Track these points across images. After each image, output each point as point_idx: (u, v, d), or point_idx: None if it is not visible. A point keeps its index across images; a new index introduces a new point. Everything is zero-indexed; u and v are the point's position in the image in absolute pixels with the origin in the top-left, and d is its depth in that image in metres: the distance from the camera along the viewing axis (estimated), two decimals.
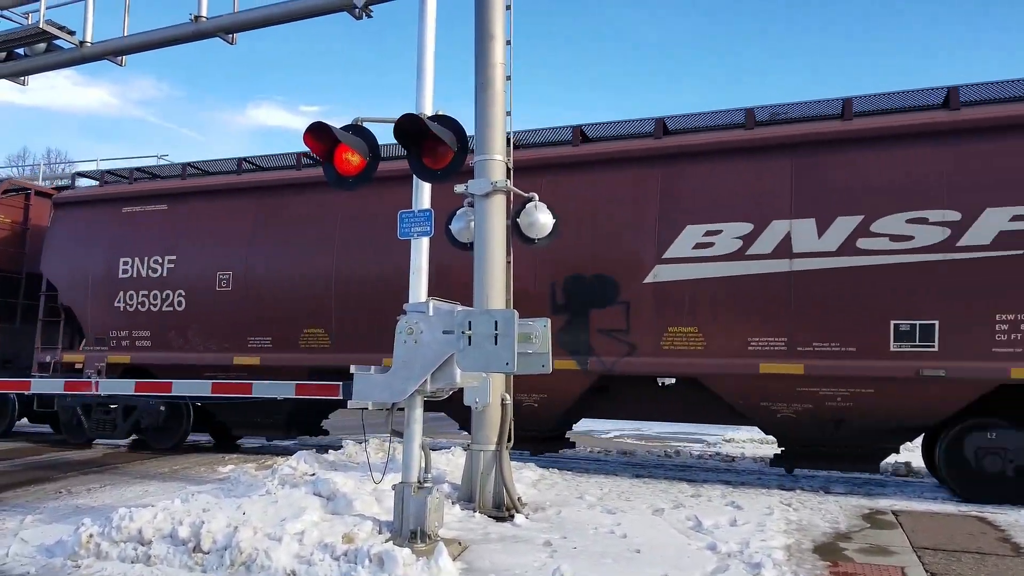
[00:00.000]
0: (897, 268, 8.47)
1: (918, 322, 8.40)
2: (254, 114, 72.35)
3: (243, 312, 11.65)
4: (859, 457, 9.03)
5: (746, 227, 9.03)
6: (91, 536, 5.89)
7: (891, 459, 12.03)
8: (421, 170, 6.48)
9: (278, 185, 11.88)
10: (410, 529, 5.76)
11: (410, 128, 6.22)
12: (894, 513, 7.68)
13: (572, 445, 11.41)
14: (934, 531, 6.86)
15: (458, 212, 7.89)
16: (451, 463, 8.55)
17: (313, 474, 7.80)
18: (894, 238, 8.51)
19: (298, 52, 77.70)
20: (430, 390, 5.90)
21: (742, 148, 9.30)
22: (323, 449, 9.80)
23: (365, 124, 6.62)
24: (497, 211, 7.28)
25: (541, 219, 7.77)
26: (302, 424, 12.47)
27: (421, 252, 6.69)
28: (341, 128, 6.47)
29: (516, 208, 7.75)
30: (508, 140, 7.47)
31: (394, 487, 5.98)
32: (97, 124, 63.25)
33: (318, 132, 6.33)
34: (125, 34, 9.43)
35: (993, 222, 8.19)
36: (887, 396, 8.50)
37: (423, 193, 6.79)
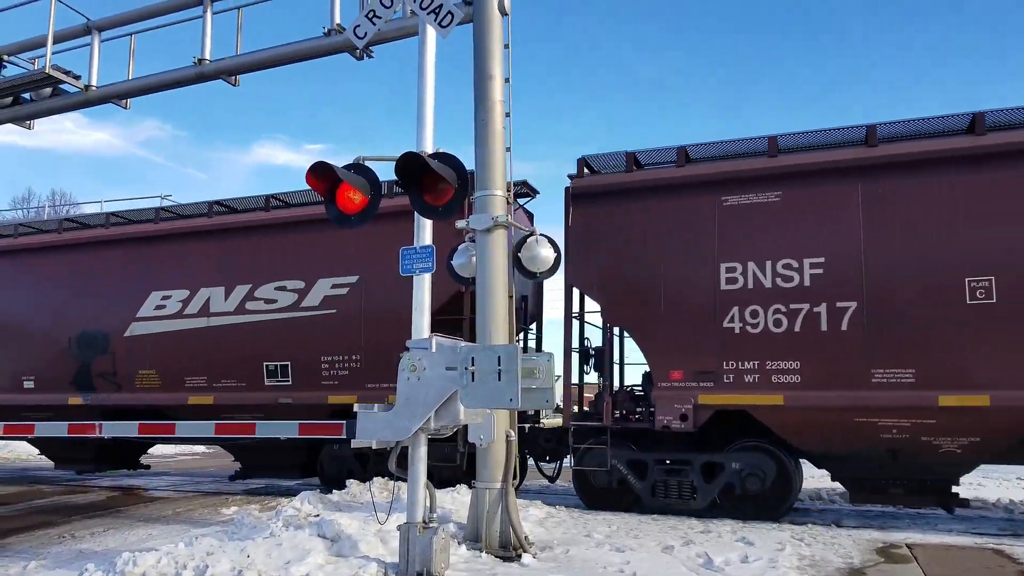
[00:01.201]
0: (268, 323, 11.40)
1: (279, 363, 11.30)
2: (258, 153, 73.14)
3: None
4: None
5: (184, 293, 11.96)
6: None
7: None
8: (422, 207, 6.50)
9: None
10: (416, 571, 5.68)
11: (411, 166, 6.26)
12: (908, 546, 7.55)
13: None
14: (950, 564, 6.74)
15: (460, 247, 7.90)
16: (456, 501, 8.45)
17: (317, 515, 7.71)
18: (267, 301, 11.46)
19: (301, 92, 78.76)
20: (434, 428, 5.86)
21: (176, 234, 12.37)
22: (327, 489, 9.70)
23: (367, 162, 6.67)
24: (498, 246, 7.28)
25: (543, 253, 7.78)
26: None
27: (423, 289, 6.70)
28: (343, 167, 6.51)
29: (517, 243, 7.76)
30: (508, 175, 7.51)
31: (399, 527, 5.91)
32: (103, 166, 63.93)
33: (321, 171, 6.38)
34: (130, 77, 9.56)
35: (321, 289, 11.19)
36: (273, 416, 10.94)
37: (425, 230, 6.82)
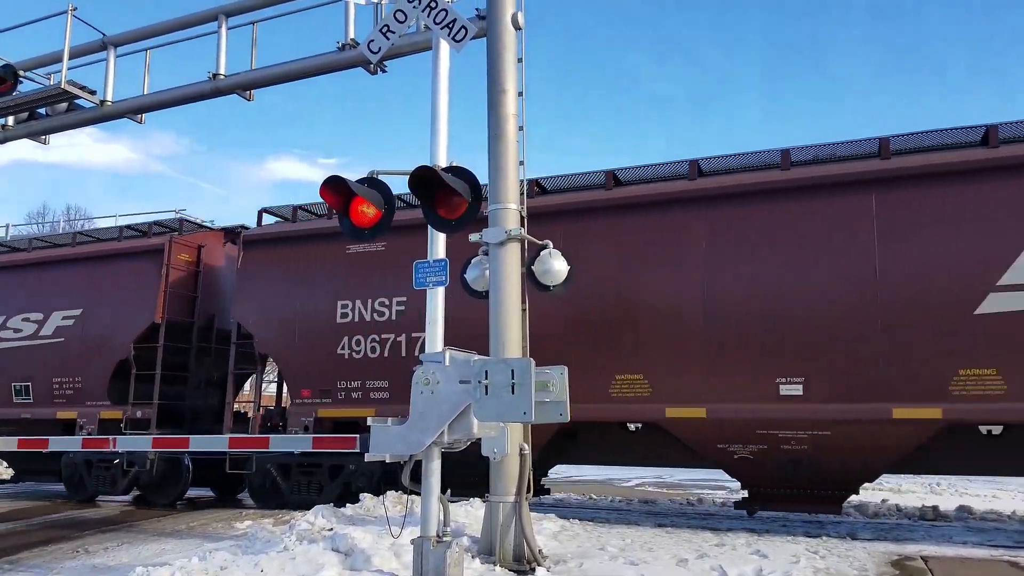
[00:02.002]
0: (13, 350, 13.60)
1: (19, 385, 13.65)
2: (273, 167, 73.56)
3: None
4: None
5: None
6: None
7: (919, 503, 11.87)
8: (436, 220, 6.52)
9: None
10: None
11: (425, 180, 6.29)
12: (923, 559, 7.48)
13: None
14: None
15: (473, 261, 7.92)
16: (470, 515, 8.43)
17: (331, 529, 7.71)
18: (15, 330, 13.61)
19: (315, 106, 79.26)
20: (447, 441, 5.86)
21: None
22: (340, 503, 9.70)
23: (380, 176, 6.70)
24: (512, 259, 7.29)
25: (556, 266, 7.79)
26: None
27: (437, 302, 6.70)
28: (357, 181, 6.55)
29: (531, 256, 7.77)
30: (522, 189, 7.53)
31: (413, 541, 5.90)
32: (119, 180, 64.44)
33: (334, 185, 6.42)
34: (145, 92, 9.64)
35: (56, 320, 13.24)
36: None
37: (437, 243, 6.82)
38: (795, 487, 9.13)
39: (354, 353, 10.91)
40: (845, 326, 8.63)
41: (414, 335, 10.43)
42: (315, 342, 11.17)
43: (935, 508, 11.25)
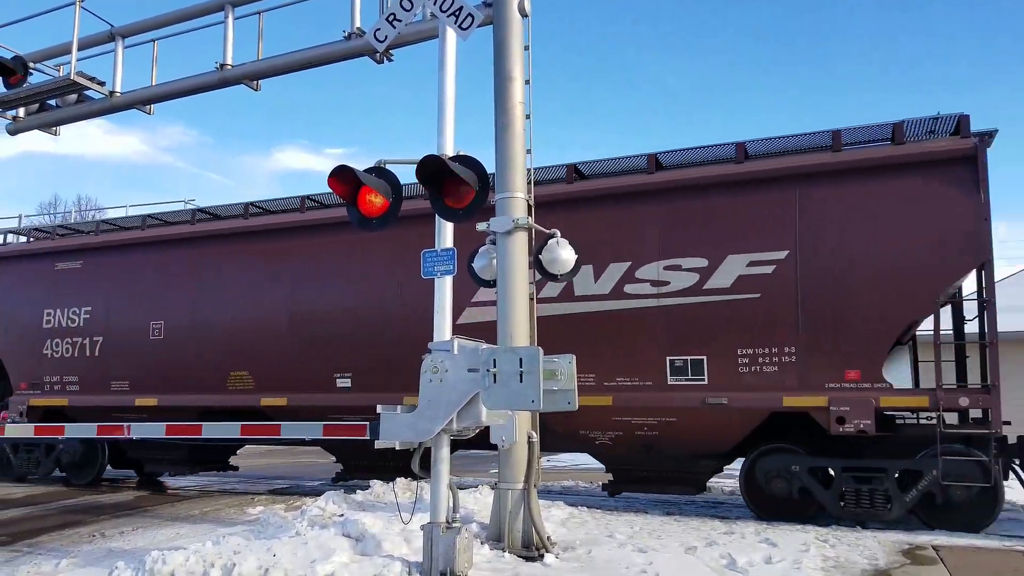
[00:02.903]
0: None
1: None
2: (279, 157, 73.58)
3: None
4: None
5: None
6: None
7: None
8: (443, 210, 6.54)
9: None
10: (439, 570, 5.72)
11: (432, 169, 6.30)
12: (935, 548, 7.48)
13: None
14: (978, 567, 6.68)
15: (480, 250, 7.93)
16: (479, 502, 8.50)
17: (342, 515, 7.79)
18: None
19: (321, 96, 79.06)
20: (456, 429, 5.91)
21: None
22: (351, 489, 9.78)
23: (388, 166, 6.72)
24: (519, 248, 7.30)
25: (563, 255, 7.80)
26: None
27: (445, 291, 6.73)
28: (364, 170, 6.57)
29: (538, 245, 7.78)
30: (529, 177, 7.53)
31: (423, 527, 5.96)
32: (128, 171, 64.72)
33: (342, 175, 6.44)
34: (153, 83, 9.69)
35: None
36: None
37: (445, 233, 6.84)
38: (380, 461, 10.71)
39: (54, 353, 13.34)
40: (372, 333, 10.77)
41: (94, 339, 13.02)
42: (31, 344, 13.57)
43: None
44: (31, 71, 9.92)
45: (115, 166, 63.86)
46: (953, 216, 8.41)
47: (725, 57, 69.84)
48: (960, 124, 8.67)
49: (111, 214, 17.80)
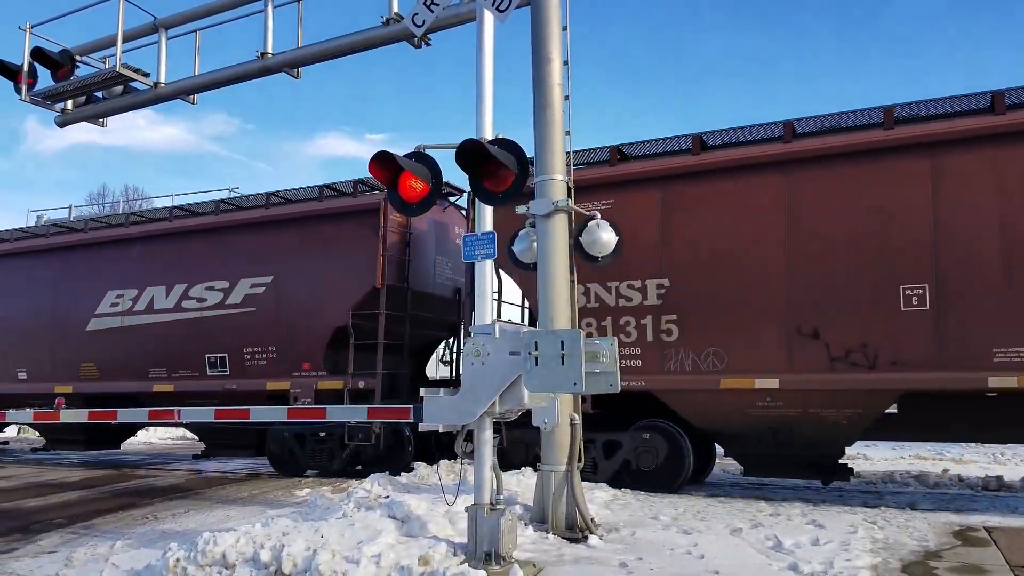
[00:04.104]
0: None
1: None
2: (321, 144, 74.19)
3: None
4: None
5: None
6: (178, 560, 6.06)
7: (982, 473, 11.59)
8: (483, 193, 6.53)
9: None
10: (484, 551, 5.76)
11: (472, 153, 6.29)
12: (987, 530, 7.33)
13: None
14: None
15: (520, 233, 7.93)
16: (522, 484, 8.54)
17: (387, 496, 7.88)
18: None
19: (361, 82, 79.39)
20: (499, 412, 5.92)
21: None
22: (396, 472, 9.91)
23: (427, 151, 6.73)
24: (559, 230, 7.28)
25: (604, 237, 7.74)
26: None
27: (485, 275, 6.72)
28: (404, 156, 6.59)
29: (578, 227, 7.74)
30: (568, 160, 7.49)
31: (467, 509, 6.01)
32: (174, 160, 65.90)
33: (383, 161, 6.46)
34: (196, 73, 9.83)
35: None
36: None
37: (485, 217, 6.82)
38: None
39: None
40: None
41: None
42: None
43: (999, 478, 10.97)
44: (78, 64, 10.12)
45: (161, 155, 65.07)
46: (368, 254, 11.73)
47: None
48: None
49: (158, 203, 18.22)
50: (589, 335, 7.54)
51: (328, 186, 12.63)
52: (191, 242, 13.39)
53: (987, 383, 8.18)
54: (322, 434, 11.87)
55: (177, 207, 14.03)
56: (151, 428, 19.80)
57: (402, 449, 11.66)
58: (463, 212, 12.52)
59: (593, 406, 9.50)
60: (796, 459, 9.34)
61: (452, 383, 12.13)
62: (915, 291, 8.56)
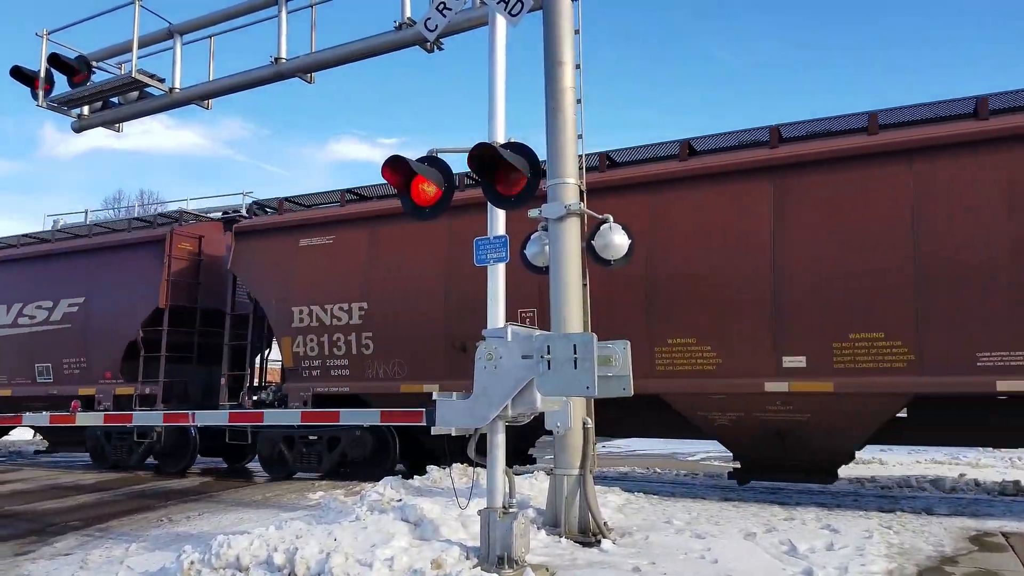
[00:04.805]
0: None
1: None
2: (335, 148, 74.66)
3: None
4: None
5: None
6: (192, 563, 6.10)
7: (999, 477, 11.48)
8: (495, 197, 6.53)
9: None
10: (497, 555, 5.76)
11: (484, 157, 6.30)
12: (1004, 535, 7.26)
13: None
14: None
15: (532, 236, 7.92)
16: (534, 487, 8.52)
17: (400, 500, 7.89)
18: None
19: (374, 87, 79.82)
20: (511, 415, 5.92)
21: None
22: (409, 475, 9.92)
23: (440, 155, 6.75)
24: (571, 234, 7.27)
25: (616, 240, 7.71)
26: None
27: (498, 278, 6.73)
28: (417, 160, 6.61)
29: (590, 230, 7.73)
30: (580, 163, 7.48)
31: (479, 512, 6.01)
32: (189, 165, 66.49)
33: (395, 164, 6.49)
34: (211, 78, 9.89)
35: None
36: None
37: (497, 220, 6.82)
38: None
39: None
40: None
41: None
42: None
43: (1016, 483, 10.87)
44: (94, 70, 10.22)
45: (177, 160, 65.59)
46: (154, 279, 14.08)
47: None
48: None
49: (170, 207, 18.57)
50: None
51: (138, 218, 15.44)
52: (27, 267, 15.80)
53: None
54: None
55: (24, 235, 16.41)
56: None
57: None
58: None
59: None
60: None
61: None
62: None
